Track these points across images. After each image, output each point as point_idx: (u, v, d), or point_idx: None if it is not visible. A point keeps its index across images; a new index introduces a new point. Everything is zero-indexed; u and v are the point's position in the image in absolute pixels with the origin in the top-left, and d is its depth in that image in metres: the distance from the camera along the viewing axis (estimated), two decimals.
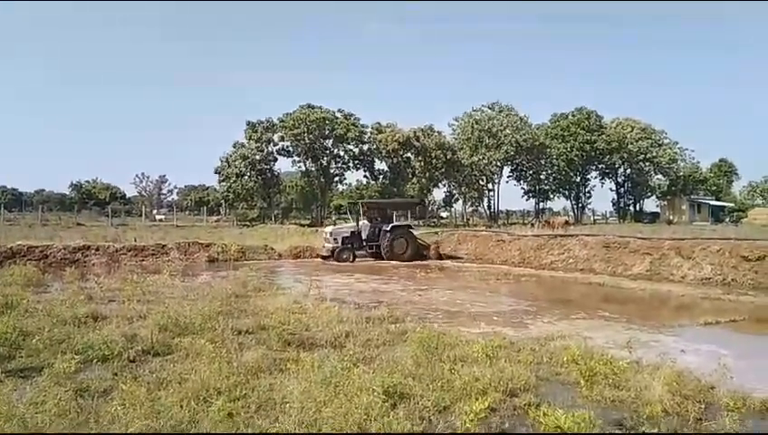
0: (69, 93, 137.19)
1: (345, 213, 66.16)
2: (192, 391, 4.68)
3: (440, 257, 23.00)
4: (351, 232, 22.73)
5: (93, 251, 19.88)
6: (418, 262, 21.76)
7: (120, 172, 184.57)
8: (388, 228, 22.62)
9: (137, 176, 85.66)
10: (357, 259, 22.03)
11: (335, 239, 22.41)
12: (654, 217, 61.05)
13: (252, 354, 6.05)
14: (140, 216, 50.73)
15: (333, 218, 48.94)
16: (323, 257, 22.35)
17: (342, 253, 21.81)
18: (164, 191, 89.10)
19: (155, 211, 69.22)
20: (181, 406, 4.29)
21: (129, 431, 3.60)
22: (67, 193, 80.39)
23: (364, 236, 22.71)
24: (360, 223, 23.07)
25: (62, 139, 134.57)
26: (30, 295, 10.02)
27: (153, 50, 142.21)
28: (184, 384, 4.88)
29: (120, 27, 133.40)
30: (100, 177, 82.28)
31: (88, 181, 79.37)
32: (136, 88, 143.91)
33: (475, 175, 57.15)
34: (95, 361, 5.91)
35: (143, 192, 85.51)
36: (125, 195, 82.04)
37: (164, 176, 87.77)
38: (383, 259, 22.06)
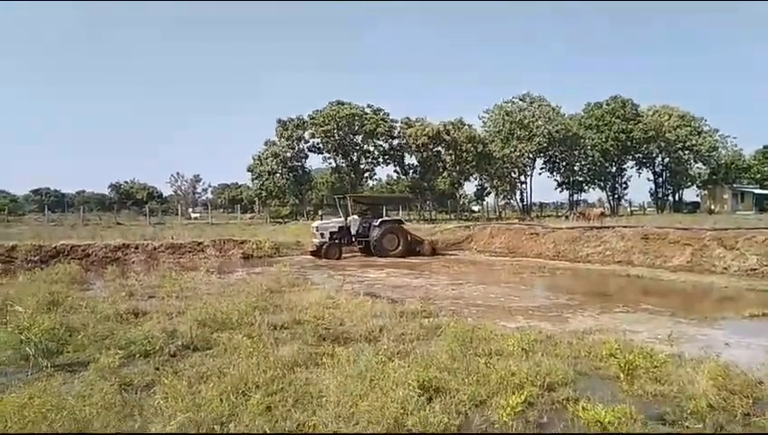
0: (106, 95, 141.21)
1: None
2: (231, 384, 4.77)
3: (434, 253, 22.27)
4: (339, 227, 21.96)
5: (133, 249, 20.46)
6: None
7: (156, 172, 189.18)
8: (377, 223, 22.02)
9: (172, 175, 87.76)
10: (344, 255, 21.26)
11: (322, 234, 21.69)
12: (694, 207, 59.27)
13: (288, 349, 6.12)
14: (177, 214, 51.96)
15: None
16: (312, 253, 21.65)
17: (331, 248, 21.08)
18: (198, 190, 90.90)
19: (190, 210, 70.73)
20: (221, 399, 4.38)
21: (172, 424, 3.69)
22: (106, 193, 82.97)
23: (353, 232, 22.03)
24: (350, 218, 22.29)
25: (100, 140, 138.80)
26: (74, 293, 10.39)
27: (186, 50, 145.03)
28: (223, 378, 4.97)
29: (155, 28, 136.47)
30: (138, 177, 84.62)
31: (126, 182, 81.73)
32: (169, 89, 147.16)
33: (507, 167, 56.44)
34: (137, 356, 6.08)
35: (179, 191, 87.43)
36: (161, 194, 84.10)
37: (198, 175, 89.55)
38: (373, 255, 21.36)
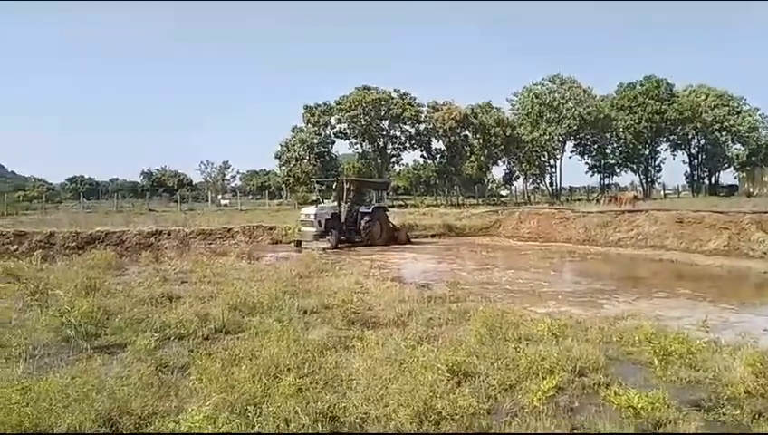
0: (138, 86, 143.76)
1: (403, 193, 66.21)
2: (263, 367, 4.85)
3: (409, 241, 21.44)
4: (333, 214, 19.93)
5: (165, 235, 20.86)
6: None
7: (187, 159, 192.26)
8: (370, 210, 20.49)
9: (202, 163, 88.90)
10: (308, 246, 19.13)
11: (319, 222, 19.47)
12: (731, 189, 57.37)
13: (318, 333, 6.20)
14: (206, 201, 52.85)
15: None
16: (298, 244, 19.67)
17: (335, 238, 19.23)
18: (227, 177, 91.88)
19: (219, 196, 71.72)
20: (253, 381, 4.46)
21: (207, 404, 3.78)
22: (139, 181, 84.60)
23: (342, 219, 20.13)
24: (335, 204, 20.49)
25: (132, 129, 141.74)
26: (110, 278, 10.69)
27: (212, 39, 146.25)
28: (255, 361, 5.06)
29: (185, 21, 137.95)
30: (169, 164, 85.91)
31: (157, 169, 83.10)
32: (200, 79, 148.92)
33: (536, 151, 55.49)
34: (172, 338, 6.24)
35: (208, 178, 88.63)
36: (191, 181, 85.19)
37: (227, 162, 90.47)
38: (358, 244, 19.75)
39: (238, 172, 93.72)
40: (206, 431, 3.46)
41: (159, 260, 14.31)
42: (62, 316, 6.32)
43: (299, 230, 20.54)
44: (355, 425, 3.93)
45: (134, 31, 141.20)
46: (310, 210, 20.59)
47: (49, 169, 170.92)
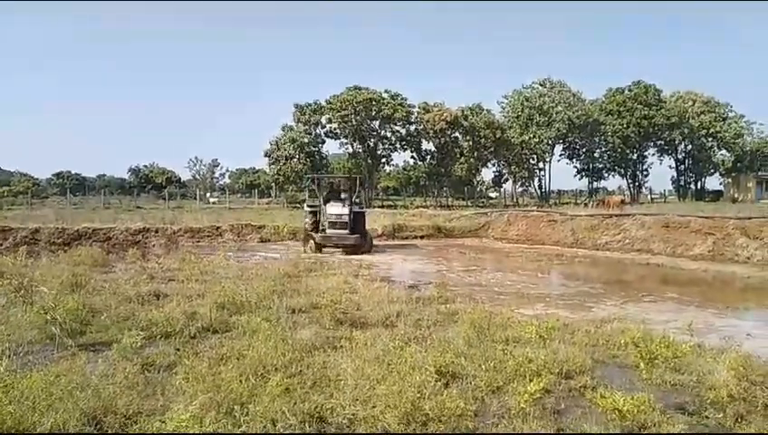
0: (126, 81, 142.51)
1: (393, 194, 66.16)
2: (250, 366, 4.83)
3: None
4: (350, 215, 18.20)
5: (153, 233, 20.71)
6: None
7: (175, 157, 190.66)
8: (363, 210, 19.29)
9: (190, 160, 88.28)
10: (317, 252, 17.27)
11: (345, 223, 17.68)
12: (717, 195, 58.04)
13: (306, 332, 6.18)
14: (195, 199, 52.48)
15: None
16: (319, 247, 17.30)
17: (369, 243, 18.21)
18: (216, 175, 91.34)
19: (208, 194, 71.23)
20: (240, 381, 4.43)
21: (193, 404, 3.76)
22: (126, 178, 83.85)
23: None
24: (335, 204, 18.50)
25: (120, 125, 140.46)
26: (96, 275, 10.57)
27: (204, 38, 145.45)
28: (242, 360, 5.04)
29: (177, 18, 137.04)
30: (157, 161, 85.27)
31: (146, 166, 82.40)
32: (188, 76, 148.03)
33: (526, 154, 55.76)
34: (159, 337, 6.18)
35: (197, 176, 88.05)
36: (180, 179, 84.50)
37: (216, 160, 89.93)
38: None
39: (227, 170, 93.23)
40: (193, 431, 3.44)
41: (147, 258, 14.20)
42: (46, 313, 6.23)
43: (323, 231, 17.88)
44: (342, 426, 3.92)
45: (120, 25, 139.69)
46: (342, 210, 17.95)
47: (35, 163, 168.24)
